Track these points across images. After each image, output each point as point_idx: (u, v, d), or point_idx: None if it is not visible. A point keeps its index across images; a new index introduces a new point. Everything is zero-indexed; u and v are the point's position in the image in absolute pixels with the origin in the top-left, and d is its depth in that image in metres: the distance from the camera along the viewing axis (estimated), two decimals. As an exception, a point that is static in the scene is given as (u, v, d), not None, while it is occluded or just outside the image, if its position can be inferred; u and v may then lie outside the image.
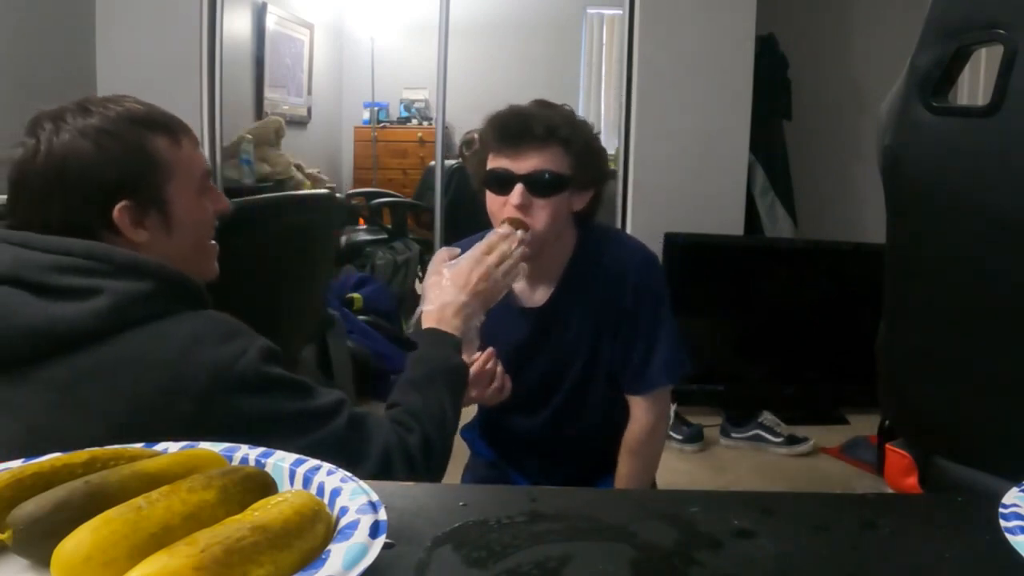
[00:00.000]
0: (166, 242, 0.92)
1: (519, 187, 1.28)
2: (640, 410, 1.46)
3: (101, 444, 0.70)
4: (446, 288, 1.16)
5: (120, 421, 0.79)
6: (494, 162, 1.32)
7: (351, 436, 0.89)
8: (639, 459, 1.46)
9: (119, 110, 0.90)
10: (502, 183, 1.30)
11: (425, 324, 1.13)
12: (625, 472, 1.46)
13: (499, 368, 1.33)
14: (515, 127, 1.29)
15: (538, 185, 1.29)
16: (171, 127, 0.93)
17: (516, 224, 1.29)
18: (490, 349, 1.33)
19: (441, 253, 1.26)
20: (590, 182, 1.36)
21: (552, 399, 1.48)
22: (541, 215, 1.30)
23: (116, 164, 0.87)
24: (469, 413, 1.72)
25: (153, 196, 0.90)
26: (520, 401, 1.50)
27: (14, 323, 0.80)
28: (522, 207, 1.29)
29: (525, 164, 1.29)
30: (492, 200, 1.33)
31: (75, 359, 0.80)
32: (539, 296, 1.43)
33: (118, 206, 0.87)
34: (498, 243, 1.23)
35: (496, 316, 1.24)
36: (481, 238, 1.38)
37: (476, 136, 4.96)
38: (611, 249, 1.43)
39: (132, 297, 0.82)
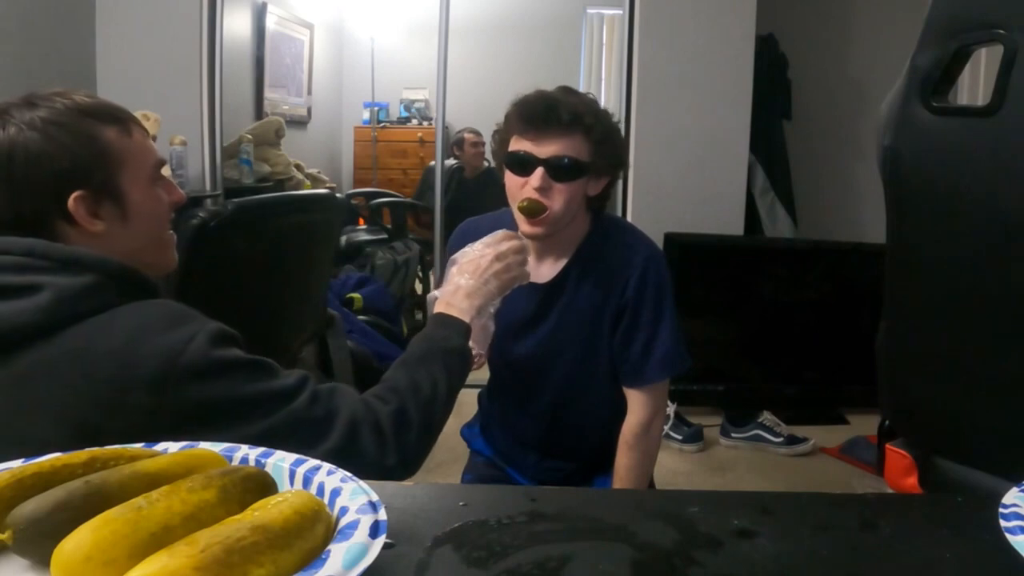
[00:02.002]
0: (123, 232, 0.91)
1: (540, 170, 1.32)
2: (637, 403, 1.47)
3: (59, 442, 0.69)
4: (458, 273, 1.16)
5: (75, 417, 0.78)
6: (517, 144, 1.35)
7: (315, 412, 0.87)
8: (637, 452, 1.47)
9: (66, 102, 0.89)
10: (524, 165, 1.34)
11: (436, 309, 1.12)
12: (624, 465, 1.47)
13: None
14: (541, 112, 1.32)
15: (558, 170, 1.32)
16: (120, 118, 0.92)
17: (532, 207, 1.32)
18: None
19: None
20: (607, 169, 1.40)
21: (550, 380, 1.50)
22: (558, 198, 1.34)
23: (66, 154, 0.86)
24: (469, 412, 1.72)
25: (106, 186, 0.89)
26: (519, 380, 1.53)
27: None
28: (541, 190, 1.32)
29: (547, 148, 1.32)
30: (512, 180, 1.36)
31: (21, 357, 0.79)
32: (545, 272, 1.46)
33: (73, 196, 0.86)
34: (512, 236, 1.24)
35: None
36: (497, 218, 1.44)
37: (466, 135, 4.95)
38: (621, 239, 1.47)
39: (74, 291, 0.81)
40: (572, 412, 1.52)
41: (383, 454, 0.89)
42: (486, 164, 4.81)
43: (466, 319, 1.08)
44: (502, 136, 1.40)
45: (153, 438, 0.69)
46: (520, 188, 1.35)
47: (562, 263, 1.46)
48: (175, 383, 0.79)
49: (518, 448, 1.61)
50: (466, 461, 1.73)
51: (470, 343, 1.09)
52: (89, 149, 0.88)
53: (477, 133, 4.84)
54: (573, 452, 1.57)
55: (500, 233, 1.24)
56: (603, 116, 1.38)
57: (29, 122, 0.86)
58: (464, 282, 1.13)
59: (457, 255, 1.20)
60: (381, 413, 0.91)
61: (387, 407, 0.92)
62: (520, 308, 1.45)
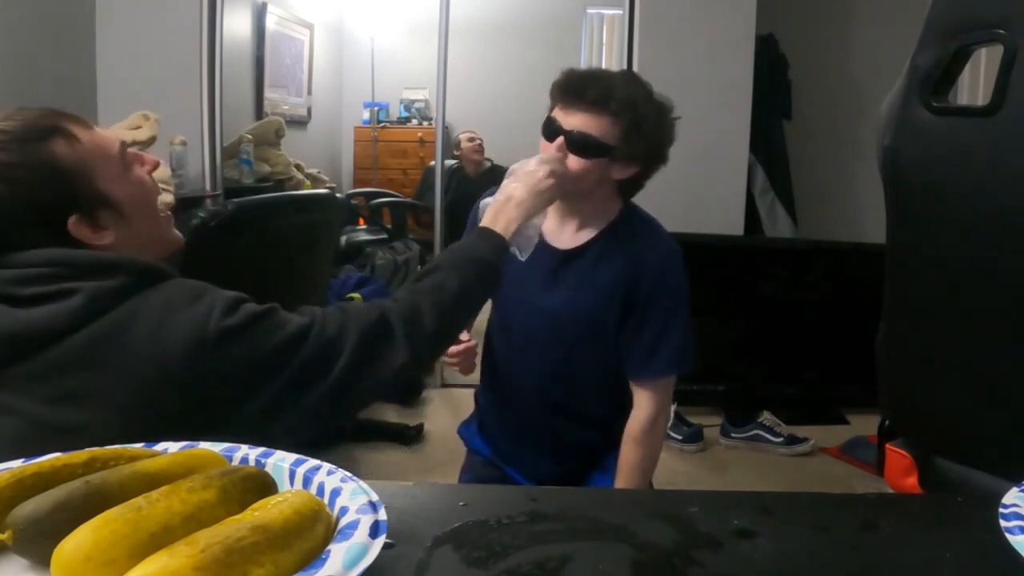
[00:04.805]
0: (128, 231, 0.91)
1: (560, 139, 1.37)
2: (644, 399, 1.48)
3: (98, 427, 0.75)
4: (514, 182, 1.23)
5: (112, 400, 0.79)
6: (554, 112, 1.40)
7: (328, 333, 0.88)
8: (642, 448, 1.48)
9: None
10: (551, 132, 1.39)
11: (485, 215, 1.17)
12: (628, 461, 1.48)
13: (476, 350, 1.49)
14: (574, 86, 1.37)
15: (577, 144, 1.36)
16: (57, 126, 0.87)
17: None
18: (473, 342, 1.45)
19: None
20: (635, 157, 1.41)
21: (547, 357, 1.51)
22: (575, 168, 1.37)
23: (36, 192, 0.84)
24: (468, 410, 1.74)
25: (92, 198, 0.88)
26: (516, 356, 1.55)
27: None
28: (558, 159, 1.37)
29: (572, 121, 1.36)
30: (543, 145, 1.41)
31: (54, 351, 0.80)
32: (566, 239, 1.50)
33: (70, 222, 0.86)
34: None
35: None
36: None
37: (462, 135, 4.91)
38: (647, 231, 1.51)
39: (104, 293, 0.82)
40: (568, 400, 1.53)
41: (394, 353, 0.90)
42: (487, 163, 4.81)
43: (512, 227, 1.14)
44: (551, 104, 1.44)
45: (193, 416, 0.75)
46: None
47: (585, 235, 1.48)
48: (208, 350, 0.81)
49: (515, 446, 1.61)
50: (463, 462, 1.73)
51: (513, 249, 1.17)
52: (53, 177, 0.85)
53: (472, 131, 4.86)
54: (569, 449, 1.57)
55: (553, 154, 1.32)
56: (642, 106, 1.37)
57: None
58: (518, 193, 1.20)
59: (516, 166, 1.27)
60: (391, 312, 0.93)
61: (398, 305, 0.94)
62: (536, 269, 1.46)
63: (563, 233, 1.49)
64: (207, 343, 0.81)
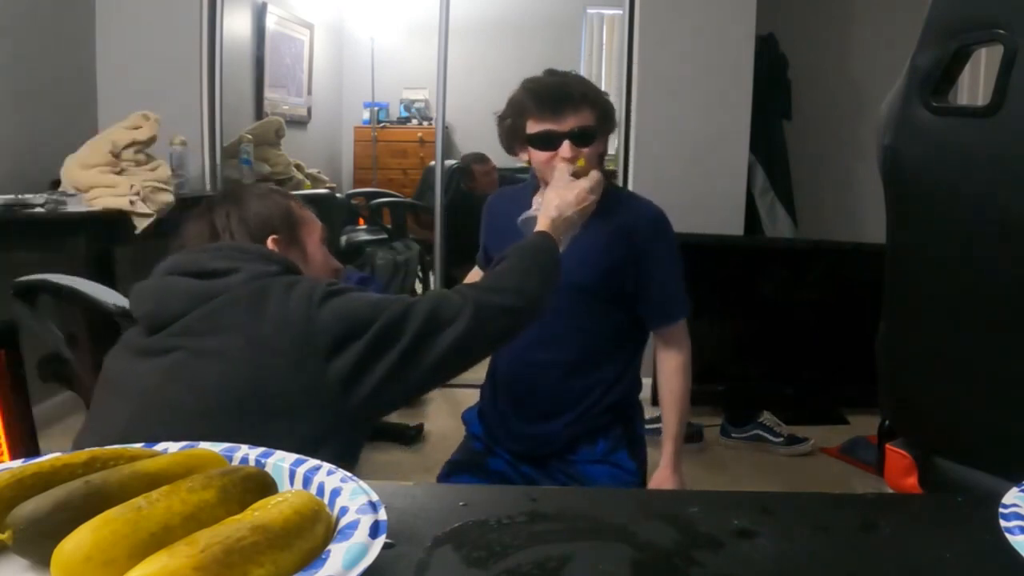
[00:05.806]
0: (304, 271, 1.21)
1: (566, 143, 1.55)
2: (674, 342, 1.70)
3: (240, 347, 1.04)
4: (565, 206, 1.38)
5: (248, 333, 1.05)
6: (538, 125, 1.57)
7: (406, 304, 1.09)
8: (684, 378, 1.71)
9: (263, 185, 1.34)
10: (550, 141, 1.57)
11: (540, 223, 1.35)
12: (676, 389, 1.71)
13: None
14: (556, 95, 1.56)
15: (580, 138, 1.56)
16: (295, 198, 1.33)
17: (583, 169, 1.52)
18: None
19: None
20: (607, 129, 1.65)
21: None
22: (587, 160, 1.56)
23: (267, 210, 1.25)
24: (471, 399, 1.82)
25: (293, 234, 1.26)
26: None
27: (175, 294, 1.11)
28: (572, 159, 1.54)
29: (566, 124, 1.55)
30: (538, 155, 1.59)
31: (216, 303, 1.09)
32: None
33: (271, 238, 1.22)
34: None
35: (514, 216, 1.49)
36: (528, 186, 1.74)
37: (474, 167, 4.93)
38: (630, 201, 1.72)
39: (263, 273, 1.12)
40: (548, 368, 1.64)
41: (460, 319, 1.09)
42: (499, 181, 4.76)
43: (560, 235, 1.36)
44: (516, 122, 1.61)
45: (294, 354, 1.03)
46: (548, 161, 1.56)
47: None
48: (316, 306, 1.07)
49: (501, 418, 1.70)
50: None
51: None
52: (281, 209, 1.27)
53: (484, 160, 4.76)
54: (547, 414, 1.66)
55: (597, 176, 1.46)
56: (597, 87, 1.64)
57: (248, 193, 1.28)
58: (568, 212, 1.38)
59: (556, 181, 1.44)
60: (465, 288, 1.17)
61: (477, 282, 1.20)
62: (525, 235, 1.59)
63: None
64: (315, 300, 1.07)
